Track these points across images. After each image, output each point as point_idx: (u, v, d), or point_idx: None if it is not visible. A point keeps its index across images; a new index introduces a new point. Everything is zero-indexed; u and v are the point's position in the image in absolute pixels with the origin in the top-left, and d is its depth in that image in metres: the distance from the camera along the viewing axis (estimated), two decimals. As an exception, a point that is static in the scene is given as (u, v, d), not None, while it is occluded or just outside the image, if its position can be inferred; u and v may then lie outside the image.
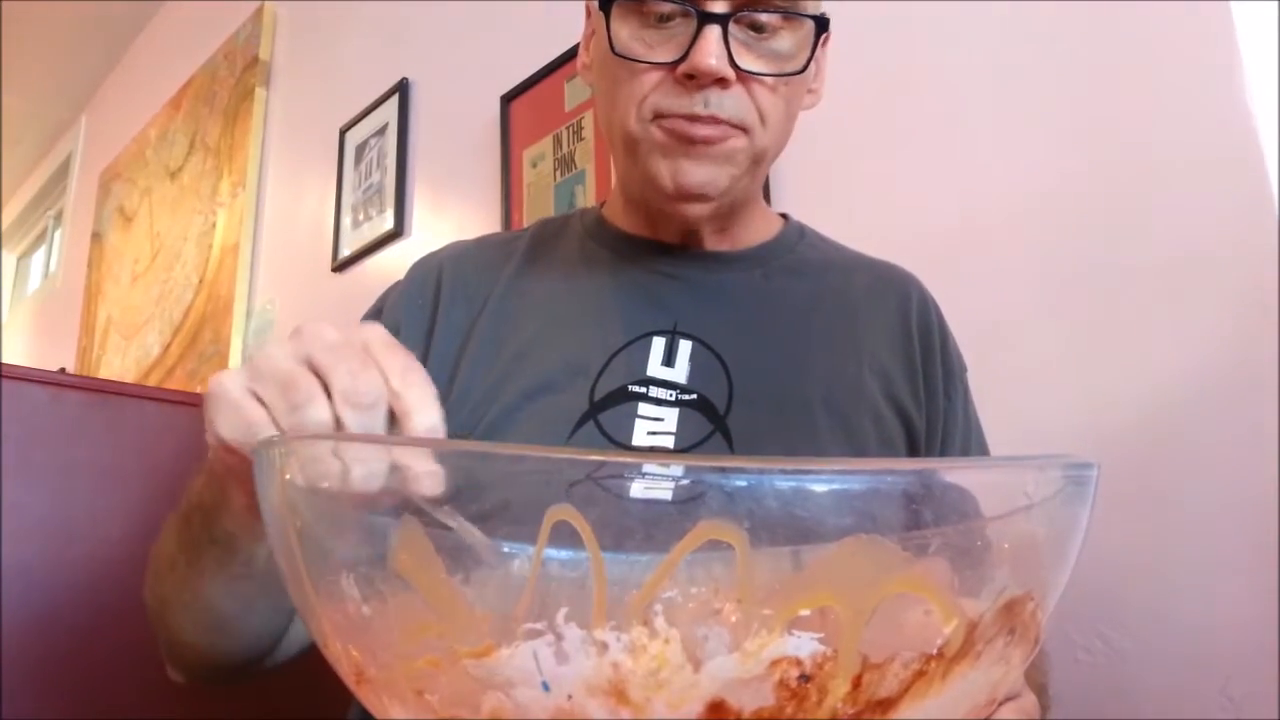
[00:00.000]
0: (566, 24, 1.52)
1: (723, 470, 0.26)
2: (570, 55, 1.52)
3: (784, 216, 0.78)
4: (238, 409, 0.40)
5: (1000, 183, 0.97)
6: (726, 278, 0.70)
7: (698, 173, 0.62)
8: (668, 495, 0.27)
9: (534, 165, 1.56)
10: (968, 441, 0.70)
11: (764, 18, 0.61)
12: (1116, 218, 0.88)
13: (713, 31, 0.59)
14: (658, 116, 0.62)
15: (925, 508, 0.27)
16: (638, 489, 0.28)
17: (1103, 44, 0.91)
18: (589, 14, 0.70)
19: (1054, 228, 0.92)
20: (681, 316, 0.67)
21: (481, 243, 0.78)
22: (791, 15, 0.61)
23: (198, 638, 0.59)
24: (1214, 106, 0.83)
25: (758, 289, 0.70)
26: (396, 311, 0.70)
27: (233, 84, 2.49)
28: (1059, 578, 0.31)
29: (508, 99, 1.62)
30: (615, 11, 0.61)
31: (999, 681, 0.30)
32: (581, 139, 1.48)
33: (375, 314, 0.73)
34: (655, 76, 0.61)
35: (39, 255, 4.25)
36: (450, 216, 1.74)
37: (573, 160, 1.49)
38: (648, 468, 0.28)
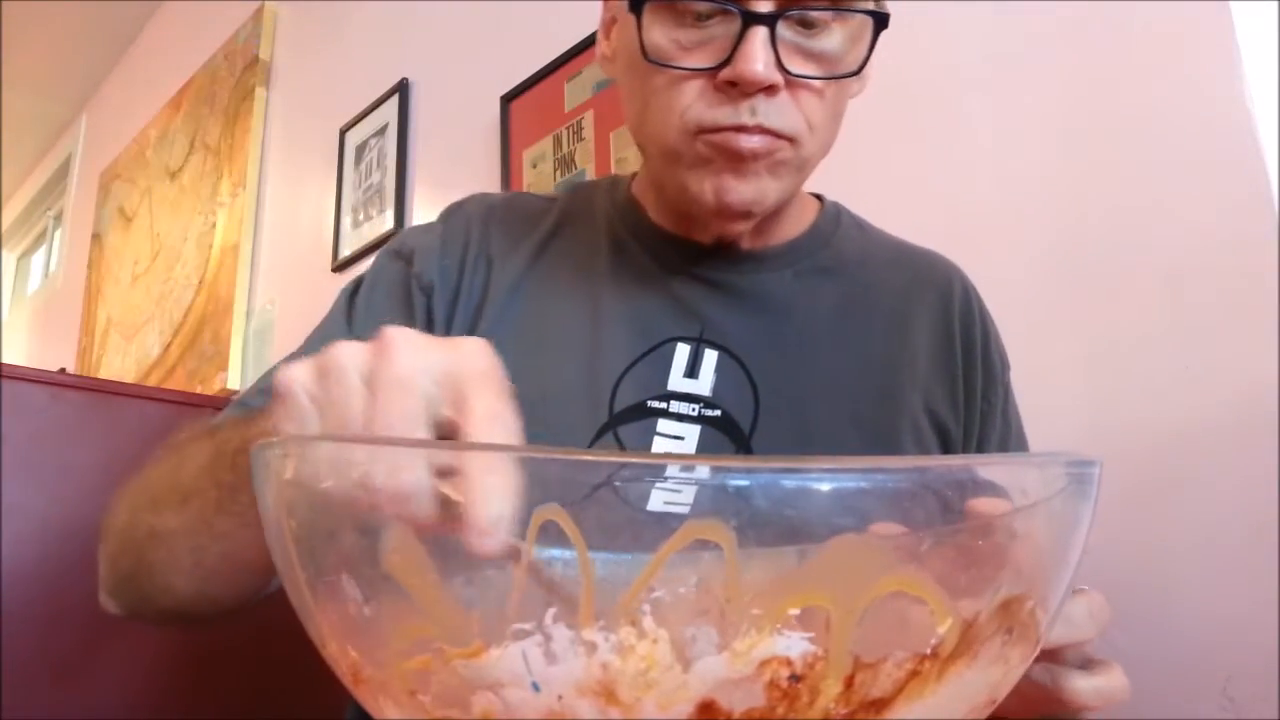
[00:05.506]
0: (566, 24, 1.52)
1: (710, 469, 0.26)
2: (570, 55, 1.51)
3: (819, 199, 0.73)
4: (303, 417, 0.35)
5: (998, 183, 0.97)
6: (757, 279, 0.66)
7: (744, 190, 0.57)
8: (685, 509, 0.25)
9: (534, 165, 1.56)
10: (1005, 445, 0.67)
11: (814, 13, 0.54)
12: (1117, 218, 0.88)
13: (758, 34, 0.52)
14: (701, 131, 0.56)
15: (919, 507, 0.27)
16: (655, 501, 0.27)
17: (1102, 44, 0.91)
18: None
19: (1053, 228, 0.92)
20: (709, 323, 0.64)
21: (510, 205, 0.71)
22: (844, 11, 0.55)
23: (185, 580, 0.53)
24: (1214, 106, 0.83)
25: (789, 291, 0.66)
26: (430, 269, 0.65)
27: (233, 84, 2.50)
28: (1060, 577, 0.31)
29: (508, 99, 1.62)
30: (647, 10, 0.55)
31: (998, 682, 0.30)
32: (581, 139, 1.48)
33: (404, 258, 0.66)
34: (696, 84, 0.55)
35: (39, 255, 4.26)
36: (450, 216, 1.74)
37: (573, 160, 1.49)
38: (665, 471, 0.28)
